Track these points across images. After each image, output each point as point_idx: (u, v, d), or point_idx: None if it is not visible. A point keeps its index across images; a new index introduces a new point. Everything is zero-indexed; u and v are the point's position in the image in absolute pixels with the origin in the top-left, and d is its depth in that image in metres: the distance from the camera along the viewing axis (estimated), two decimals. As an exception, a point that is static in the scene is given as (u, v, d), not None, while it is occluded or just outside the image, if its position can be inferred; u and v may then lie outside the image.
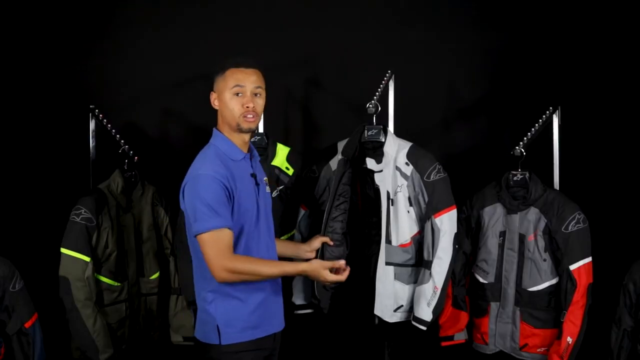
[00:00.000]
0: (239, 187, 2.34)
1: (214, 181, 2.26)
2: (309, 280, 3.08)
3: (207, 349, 2.35)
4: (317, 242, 2.81)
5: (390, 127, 3.25)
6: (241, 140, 2.42)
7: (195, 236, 2.26)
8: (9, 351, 2.74)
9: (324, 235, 2.87)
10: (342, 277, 2.43)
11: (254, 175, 2.43)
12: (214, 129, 2.46)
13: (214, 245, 2.23)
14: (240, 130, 2.39)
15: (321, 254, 2.88)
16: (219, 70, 2.42)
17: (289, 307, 3.14)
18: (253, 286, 2.35)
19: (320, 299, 2.97)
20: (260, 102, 2.41)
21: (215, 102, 2.43)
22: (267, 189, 2.53)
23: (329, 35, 3.78)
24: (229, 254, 2.24)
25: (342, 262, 2.45)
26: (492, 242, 3.06)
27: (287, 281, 3.12)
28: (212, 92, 2.43)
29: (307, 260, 2.64)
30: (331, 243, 2.85)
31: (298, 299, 3.14)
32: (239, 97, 2.37)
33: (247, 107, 2.36)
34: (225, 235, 2.24)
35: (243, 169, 2.40)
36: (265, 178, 2.54)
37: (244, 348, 2.33)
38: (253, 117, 2.38)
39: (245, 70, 2.39)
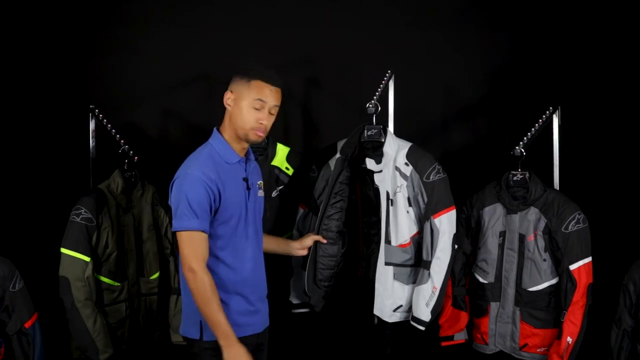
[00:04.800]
0: (228, 191, 2.36)
1: (200, 183, 2.29)
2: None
3: (190, 343, 2.40)
4: (309, 240, 2.83)
5: (390, 127, 3.25)
6: (240, 147, 2.45)
7: (175, 231, 2.31)
8: (9, 351, 2.74)
9: (318, 233, 2.87)
10: None
11: (245, 180, 2.45)
12: (215, 129, 2.46)
13: (189, 246, 2.28)
14: (246, 140, 2.42)
15: (314, 251, 2.88)
16: (243, 74, 2.41)
17: (287, 306, 3.14)
18: (238, 287, 2.39)
19: (311, 295, 2.96)
20: (272, 119, 2.45)
21: (228, 102, 2.42)
22: (260, 192, 2.55)
23: (329, 35, 3.78)
24: (201, 260, 2.29)
25: None
26: (492, 242, 3.06)
27: (284, 280, 3.12)
28: (228, 92, 2.42)
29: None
30: (324, 241, 2.85)
31: (295, 298, 3.13)
32: (257, 111, 2.39)
33: (261, 123, 2.39)
34: (199, 238, 2.29)
35: (235, 173, 2.42)
36: (260, 182, 2.56)
37: None
38: (262, 132, 2.42)
39: (271, 88, 2.41)
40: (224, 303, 2.34)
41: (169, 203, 2.38)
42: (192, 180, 2.30)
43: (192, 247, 2.28)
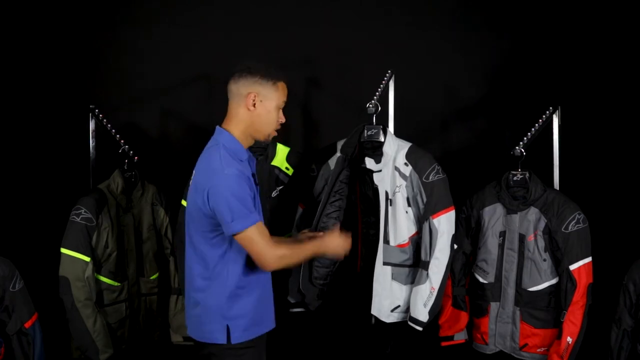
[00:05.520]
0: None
1: (242, 179, 2.27)
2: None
3: (206, 346, 2.36)
4: (303, 237, 2.81)
5: (390, 127, 3.25)
6: (247, 144, 2.42)
7: (236, 234, 2.25)
8: (9, 351, 2.74)
9: (315, 231, 2.87)
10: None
11: (253, 176, 2.44)
12: (219, 127, 2.39)
13: (261, 238, 2.26)
14: (265, 139, 2.43)
15: None
16: (268, 76, 2.36)
17: (285, 305, 3.13)
18: (260, 284, 2.38)
19: (305, 293, 2.95)
20: None
21: (253, 104, 2.36)
22: None
23: (329, 35, 3.78)
24: (274, 243, 2.30)
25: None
26: (492, 242, 3.06)
27: (282, 279, 3.11)
28: (253, 94, 2.34)
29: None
30: (320, 234, 2.84)
31: (293, 297, 3.13)
32: (279, 112, 2.41)
33: (281, 123, 2.43)
34: (264, 228, 2.29)
35: (247, 170, 2.41)
36: None
37: (247, 345, 2.35)
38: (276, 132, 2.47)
39: (286, 87, 2.43)
40: (249, 299, 2.34)
41: (210, 209, 2.27)
42: (232, 178, 2.25)
43: (264, 238, 2.26)
